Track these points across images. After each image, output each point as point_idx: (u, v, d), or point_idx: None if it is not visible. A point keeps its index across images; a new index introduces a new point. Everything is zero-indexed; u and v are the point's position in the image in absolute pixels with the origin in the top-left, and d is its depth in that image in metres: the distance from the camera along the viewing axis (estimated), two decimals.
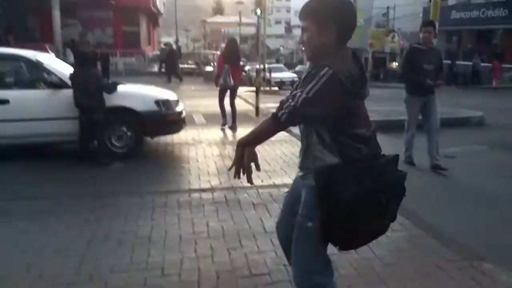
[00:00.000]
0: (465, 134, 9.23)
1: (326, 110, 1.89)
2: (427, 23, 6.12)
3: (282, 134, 7.14)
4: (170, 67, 21.84)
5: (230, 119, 8.65)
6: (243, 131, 8.35)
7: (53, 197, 4.72)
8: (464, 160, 6.95)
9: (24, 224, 3.98)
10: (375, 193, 1.94)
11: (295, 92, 1.91)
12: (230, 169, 2.06)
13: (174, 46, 30.17)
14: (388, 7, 33.74)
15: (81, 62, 6.25)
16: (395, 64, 32.69)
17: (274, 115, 1.92)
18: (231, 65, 8.37)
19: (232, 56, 8.41)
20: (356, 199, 1.89)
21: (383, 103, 14.62)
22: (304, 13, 2.04)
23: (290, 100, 1.88)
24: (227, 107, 8.73)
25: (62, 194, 4.83)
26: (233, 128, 8.64)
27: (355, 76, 1.94)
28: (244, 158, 1.99)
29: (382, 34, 33.21)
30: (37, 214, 4.21)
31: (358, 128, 2.01)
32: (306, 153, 2.09)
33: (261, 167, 2.09)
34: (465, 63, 27.31)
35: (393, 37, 31.67)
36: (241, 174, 2.03)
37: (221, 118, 8.69)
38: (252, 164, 1.99)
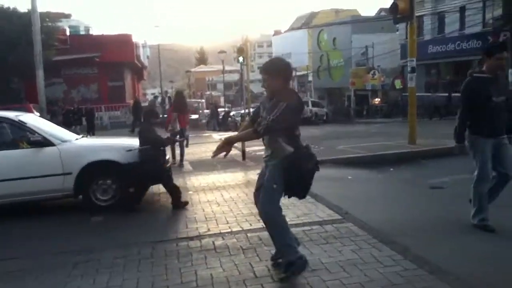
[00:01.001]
0: (451, 164, 9.27)
1: (285, 125, 3.50)
2: (502, 46, 4.98)
3: None
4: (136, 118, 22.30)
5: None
6: (231, 175, 8.33)
7: (31, 256, 4.59)
8: (454, 190, 6.95)
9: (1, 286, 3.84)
10: (314, 166, 3.62)
11: (265, 116, 3.48)
12: (214, 154, 3.78)
13: (159, 98, 30.53)
14: (366, 46, 34.77)
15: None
16: (377, 100, 33.35)
17: (255, 130, 3.55)
18: (178, 113, 10.09)
19: (179, 106, 10.22)
20: (309, 170, 3.57)
21: (369, 139, 14.78)
22: (263, 70, 3.69)
23: (264, 122, 3.47)
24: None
25: (42, 252, 4.69)
26: (181, 165, 10.17)
27: (300, 103, 3.65)
28: (221, 144, 3.71)
29: (362, 72, 34.06)
30: (14, 275, 4.07)
31: (297, 131, 3.67)
32: (268, 149, 3.68)
33: (250, 211, 3.71)
34: (444, 94, 27.92)
35: (374, 74, 32.47)
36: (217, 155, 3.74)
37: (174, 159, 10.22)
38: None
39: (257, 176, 3.98)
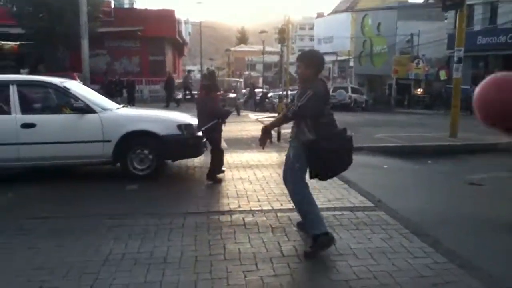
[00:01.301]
0: (492, 161, 8.98)
1: (310, 112, 3.76)
2: None
3: None
4: (169, 94, 22.82)
5: None
6: (265, 155, 8.36)
7: (70, 216, 4.78)
8: (492, 187, 6.74)
9: (40, 242, 4.02)
10: (337, 147, 3.79)
11: (295, 103, 3.83)
12: (261, 145, 4.13)
13: (192, 73, 30.72)
14: (412, 34, 33.70)
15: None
16: (419, 91, 32.44)
17: (286, 115, 4.03)
18: (211, 93, 9.98)
19: (213, 86, 10.07)
20: (339, 155, 3.82)
21: (408, 129, 14.45)
22: (299, 58, 3.95)
23: (293, 108, 3.86)
24: None
25: (79, 214, 4.89)
26: None
27: (326, 91, 3.97)
28: (262, 135, 4.07)
29: (406, 60, 33.10)
30: (54, 233, 4.26)
31: (324, 119, 3.84)
32: (295, 132, 3.91)
33: (281, 191, 4.35)
34: None
35: (418, 63, 31.49)
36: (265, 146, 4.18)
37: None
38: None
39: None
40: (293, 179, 3.93)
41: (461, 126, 11.09)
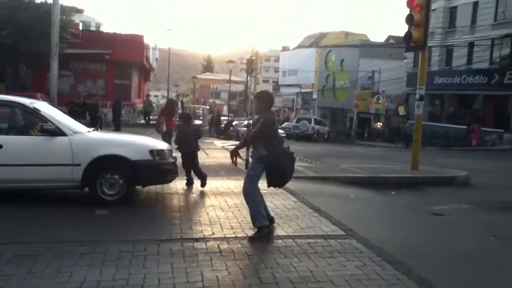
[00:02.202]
0: (452, 193, 9.38)
1: (263, 134, 5.02)
2: None
3: (274, 188, 7.16)
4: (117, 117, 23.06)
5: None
6: (234, 183, 8.38)
7: (39, 243, 4.61)
8: (454, 218, 7.04)
9: (9, 268, 3.86)
10: (290, 163, 5.18)
11: (252, 129, 5.38)
12: (232, 163, 5.50)
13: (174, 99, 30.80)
14: (373, 71, 35.11)
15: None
16: (379, 124, 33.59)
17: (245, 139, 5.68)
18: (166, 117, 11.82)
19: (168, 111, 12.03)
20: (283, 166, 5.08)
21: (370, 161, 14.90)
22: (255, 96, 5.55)
23: (251, 133, 5.25)
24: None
25: (47, 240, 4.71)
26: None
27: (274, 119, 5.31)
28: (232, 156, 5.43)
29: (367, 95, 34.34)
30: (22, 259, 4.09)
31: (275, 140, 5.15)
32: (253, 151, 5.25)
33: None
34: (447, 125, 28.20)
35: (378, 98, 32.73)
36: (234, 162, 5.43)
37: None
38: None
39: None
40: (247, 182, 5.15)
41: (422, 160, 11.53)
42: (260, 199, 5.12)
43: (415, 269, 4.12)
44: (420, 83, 11.41)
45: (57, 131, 6.26)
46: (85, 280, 3.66)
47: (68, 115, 8.53)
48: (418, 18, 10.78)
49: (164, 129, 11.54)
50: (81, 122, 7.60)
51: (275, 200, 6.99)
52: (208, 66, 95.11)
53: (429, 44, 23.66)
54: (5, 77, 24.69)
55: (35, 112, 6.43)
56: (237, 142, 18.11)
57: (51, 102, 11.19)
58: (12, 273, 3.77)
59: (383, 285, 3.76)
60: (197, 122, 27.23)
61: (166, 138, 11.04)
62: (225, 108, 49.49)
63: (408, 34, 11.05)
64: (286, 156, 5.14)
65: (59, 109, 7.94)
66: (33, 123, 6.49)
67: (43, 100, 13.35)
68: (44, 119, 6.35)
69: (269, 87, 66.21)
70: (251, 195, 5.08)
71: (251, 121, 14.73)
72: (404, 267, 4.18)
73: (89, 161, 6.22)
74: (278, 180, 5.21)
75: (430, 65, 29.28)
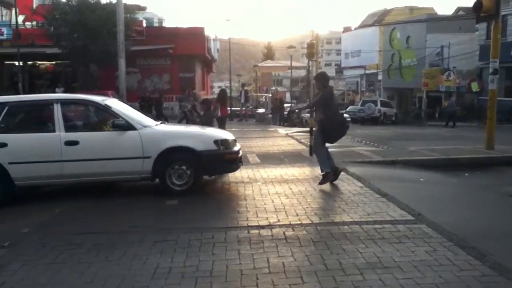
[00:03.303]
0: None
1: (318, 105, 7.21)
2: None
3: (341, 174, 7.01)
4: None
5: None
6: (299, 170, 8.39)
7: (115, 232, 4.90)
8: None
9: (89, 256, 4.17)
10: (338, 123, 7.14)
11: (314, 99, 8.00)
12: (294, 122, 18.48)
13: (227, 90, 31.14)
14: (442, 46, 33.28)
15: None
16: None
17: (308, 104, 10.10)
18: (221, 104, 13.20)
19: (222, 99, 13.52)
20: (335, 127, 7.08)
21: (441, 142, 14.25)
22: (314, 78, 8.30)
23: (313, 101, 8.20)
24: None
25: (123, 229, 5.01)
26: None
27: (330, 95, 7.28)
28: (295, 114, 21.05)
29: (436, 73, 32.65)
30: (100, 248, 4.39)
31: (330, 109, 7.04)
32: (316, 115, 7.90)
33: (319, 205, 5.91)
34: None
35: (449, 75, 31.01)
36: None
37: None
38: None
39: None
40: (315, 142, 7.38)
41: (497, 139, 10.85)
42: (324, 153, 7.07)
43: (489, 254, 3.92)
44: (494, 55, 10.67)
45: (128, 126, 6.58)
46: (158, 267, 3.86)
47: (139, 110, 8.97)
48: None
49: (219, 114, 13.02)
50: (149, 116, 7.99)
51: (341, 186, 6.91)
52: (268, 54, 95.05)
53: (503, 13, 22.02)
54: (77, 77, 26.28)
55: (106, 109, 6.80)
56: (302, 129, 18.26)
57: (121, 99, 11.78)
58: (92, 260, 4.06)
59: (455, 270, 3.62)
60: (260, 110, 27.48)
61: (220, 123, 12.50)
62: (287, 95, 49.35)
63: (478, 3, 10.36)
64: (338, 119, 7.15)
65: (130, 105, 8.33)
66: (105, 119, 6.87)
67: (114, 97, 14.09)
68: (115, 115, 6.69)
69: (331, 71, 65.14)
70: (317, 150, 7.24)
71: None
72: (478, 252, 3.99)
73: (158, 153, 6.50)
74: (331, 135, 7.10)
75: (505, 36, 27.20)
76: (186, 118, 18.78)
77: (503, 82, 26.55)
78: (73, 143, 6.40)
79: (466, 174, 8.54)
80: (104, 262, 4.01)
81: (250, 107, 31.72)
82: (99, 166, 6.52)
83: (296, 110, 25.78)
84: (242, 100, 29.15)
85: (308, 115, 18.62)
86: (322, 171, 6.97)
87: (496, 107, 10.96)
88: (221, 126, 12.40)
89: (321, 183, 6.87)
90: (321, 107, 7.06)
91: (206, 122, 10.37)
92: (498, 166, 9.24)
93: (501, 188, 7.28)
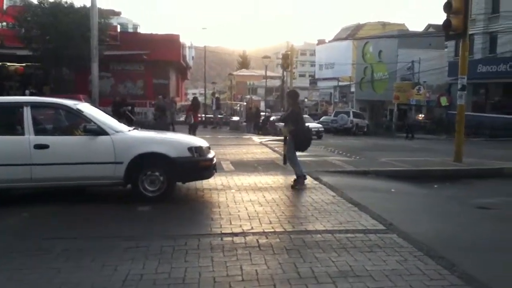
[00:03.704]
0: (498, 186, 9.04)
1: (289, 119, 8.15)
2: None
3: (312, 183, 7.16)
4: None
5: None
6: (272, 178, 8.42)
7: (85, 238, 4.80)
8: (500, 211, 6.79)
9: (58, 262, 4.05)
10: (305, 134, 8.12)
11: (285, 114, 9.16)
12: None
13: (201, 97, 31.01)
14: (412, 61, 34.18)
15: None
16: (421, 116, 32.70)
17: (280, 118, 10.99)
18: (193, 112, 15.06)
19: (194, 106, 15.51)
20: (305, 137, 8.01)
21: (411, 153, 14.56)
22: (286, 95, 11.36)
23: (283, 115, 9.23)
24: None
25: (93, 235, 4.91)
26: None
27: (298, 111, 8.41)
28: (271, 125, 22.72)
29: (407, 86, 33.49)
30: (70, 253, 4.28)
31: (298, 122, 8.03)
32: (286, 126, 8.42)
33: (292, 213, 5.74)
34: (493, 115, 27.16)
35: (419, 89, 31.84)
36: None
37: None
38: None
39: None
40: (288, 151, 8.27)
41: (464, 152, 11.16)
42: (298, 161, 7.93)
43: (458, 264, 4.01)
44: (462, 72, 11.03)
45: (100, 131, 6.47)
46: (129, 274, 3.79)
47: (111, 116, 8.82)
48: (457, 5, 10.40)
49: (192, 120, 14.62)
50: (122, 122, 7.88)
51: (314, 195, 6.96)
52: (244, 63, 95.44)
53: (471, 32, 22.84)
54: (49, 80, 25.69)
55: (78, 113, 6.67)
56: (276, 138, 18.43)
57: (93, 103, 11.58)
58: (61, 266, 3.95)
59: (425, 280, 3.69)
60: (235, 118, 27.51)
61: (192, 129, 13.89)
62: (262, 104, 49.56)
63: (447, 22, 10.70)
64: (306, 131, 8.15)
65: (102, 110, 8.20)
66: (77, 123, 6.74)
67: (86, 101, 13.84)
68: (87, 120, 6.57)
69: (305, 82, 65.97)
70: (292, 158, 8.03)
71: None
72: (447, 262, 4.08)
73: (130, 159, 6.40)
74: (300, 145, 7.94)
75: (472, 53, 28.18)
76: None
77: (470, 97, 27.47)
78: (43, 146, 6.24)
79: (436, 186, 8.75)
80: (74, 268, 3.91)
81: (224, 114, 31.69)
82: (70, 170, 6.38)
83: (270, 120, 25.99)
84: (214, 108, 29.14)
85: (282, 124, 18.91)
86: (297, 175, 7.65)
87: (464, 121, 11.30)
88: (193, 132, 12.83)
89: (298, 187, 7.50)
90: (292, 120, 7.97)
91: (161, 127, 10.69)
92: (466, 178, 9.49)
93: (469, 200, 7.48)
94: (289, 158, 8.25)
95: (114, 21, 29.46)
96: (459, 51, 11.89)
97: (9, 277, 3.73)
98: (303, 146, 7.98)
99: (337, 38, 56.46)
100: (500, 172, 10.04)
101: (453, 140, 12.59)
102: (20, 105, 6.56)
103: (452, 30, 10.80)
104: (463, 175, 9.69)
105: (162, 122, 10.76)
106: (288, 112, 8.29)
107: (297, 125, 7.90)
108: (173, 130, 16.23)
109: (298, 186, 7.49)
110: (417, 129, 30.95)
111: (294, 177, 7.76)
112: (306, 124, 8.60)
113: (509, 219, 6.32)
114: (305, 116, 31.99)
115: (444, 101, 30.38)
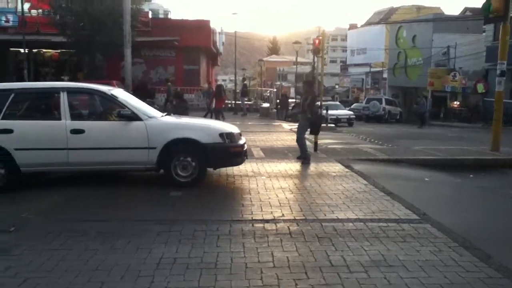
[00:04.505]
0: None
1: (313, 103, 9.23)
2: None
3: (344, 170, 7.10)
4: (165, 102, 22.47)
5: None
6: (303, 165, 8.36)
7: (119, 221, 4.91)
8: None
9: (94, 244, 4.17)
10: (320, 120, 10.00)
11: (304, 102, 9.28)
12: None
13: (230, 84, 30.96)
14: (448, 46, 33.12)
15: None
16: (456, 103, 31.79)
17: (303, 106, 9.48)
18: (216, 98, 16.58)
19: (218, 93, 16.86)
20: (317, 122, 9.40)
21: (446, 142, 14.20)
22: (303, 82, 11.66)
23: (308, 104, 9.15)
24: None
25: (126, 218, 5.02)
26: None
27: (315, 97, 9.70)
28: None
29: (442, 73, 32.52)
30: (104, 236, 4.40)
31: (316, 108, 9.81)
32: (303, 113, 9.18)
33: (323, 201, 5.76)
34: None
35: (455, 76, 30.88)
36: None
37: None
38: None
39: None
40: (299, 132, 8.97)
41: (502, 141, 10.81)
42: (304, 143, 8.87)
43: (495, 256, 3.91)
44: (502, 57, 10.63)
45: (134, 116, 6.57)
46: (163, 257, 3.87)
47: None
48: None
49: (213, 106, 15.81)
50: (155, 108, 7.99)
51: (345, 183, 6.90)
52: (273, 48, 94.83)
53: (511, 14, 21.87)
54: (82, 67, 26.21)
55: (113, 98, 6.78)
56: None
57: (127, 89, 11.74)
58: (98, 248, 4.07)
59: (460, 271, 3.62)
60: (265, 104, 27.46)
61: (216, 114, 15.12)
62: (292, 90, 49.24)
63: (487, 4, 10.29)
64: (321, 117, 9.30)
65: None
66: (111, 109, 6.86)
67: (119, 87, 14.08)
68: (121, 105, 6.68)
69: (336, 67, 65.04)
70: (302, 139, 8.85)
71: (318, 103, 14.93)
72: (483, 253, 3.99)
73: (163, 144, 6.49)
74: (317, 129, 9.29)
75: None
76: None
77: (509, 84, 26.40)
78: (79, 131, 6.39)
79: (471, 176, 8.52)
80: (110, 250, 4.02)
81: (253, 100, 31.63)
82: (104, 155, 6.52)
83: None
84: (240, 95, 29.05)
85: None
86: (303, 154, 8.77)
87: (502, 109, 10.92)
88: (217, 117, 14.29)
89: (304, 162, 8.56)
90: (312, 106, 9.00)
91: (180, 112, 11.06)
92: (503, 168, 9.21)
93: (506, 190, 7.27)
94: (299, 138, 8.94)
95: (145, 7, 29.66)
96: (499, 35, 11.42)
97: (48, 257, 3.86)
98: (318, 130, 9.45)
99: (369, 23, 55.19)
100: None
101: (489, 129, 12.19)
102: (57, 90, 6.72)
103: (492, 13, 10.38)
104: (500, 164, 9.41)
105: (181, 108, 11.10)
106: (310, 100, 8.92)
107: (315, 109, 9.13)
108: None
109: (304, 162, 8.56)
110: (452, 117, 30.16)
111: (325, 163, 7.79)
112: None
113: None
114: (336, 103, 31.78)
115: (481, 87, 29.36)
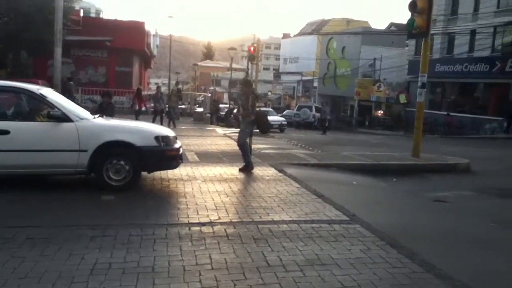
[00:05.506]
0: (453, 180, 9.48)
1: (251, 101, 8.54)
2: None
3: (277, 174, 7.29)
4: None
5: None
6: (237, 169, 8.45)
7: (49, 226, 4.68)
8: (456, 205, 7.14)
9: (22, 251, 3.95)
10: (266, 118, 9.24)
11: (242, 103, 9.04)
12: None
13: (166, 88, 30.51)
14: (374, 58, 34.99)
15: None
16: (380, 112, 33.62)
17: (245, 105, 8.82)
18: (138, 99, 17.97)
19: (139, 95, 18.27)
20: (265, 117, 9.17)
21: (371, 148, 14.97)
22: (240, 82, 13.55)
23: (248, 104, 8.63)
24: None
25: (58, 224, 4.79)
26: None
27: (256, 93, 9.20)
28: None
29: (368, 83, 34.29)
30: (33, 242, 4.18)
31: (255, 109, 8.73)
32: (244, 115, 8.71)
33: (258, 204, 5.75)
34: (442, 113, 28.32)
35: (379, 86, 32.69)
36: None
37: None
38: None
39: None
40: (241, 137, 8.48)
41: (423, 147, 11.60)
42: (248, 148, 8.51)
43: (418, 253, 4.22)
44: (423, 70, 11.43)
45: (64, 117, 6.28)
46: (97, 262, 3.75)
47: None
48: (422, 4, 10.76)
49: (137, 107, 16.90)
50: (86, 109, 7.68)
51: (279, 186, 7.07)
52: (208, 54, 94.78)
53: (431, 32, 23.59)
54: (6, 64, 24.62)
55: (41, 98, 6.45)
56: (238, 129, 18.53)
57: (55, 89, 11.21)
58: (25, 255, 3.86)
59: (387, 268, 3.86)
60: (199, 109, 27.37)
61: (136, 115, 16.08)
62: (225, 96, 49.43)
63: (411, 21, 11.04)
64: (264, 114, 9.32)
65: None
66: (39, 109, 6.53)
67: (45, 86, 13.38)
68: (51, 105, 6.37)
69: (269, 75, 66.23)
70: (244, 144, 8.38)
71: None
72: (408, 250, 4.28)
73: (95, 147, 6.27)
74: (265, 127, 8.89)
75: (431, 53, 29.14)
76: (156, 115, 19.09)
77: (428, 96, 28.39)
78: (4, 132, 6.01)
79: (394, 179, 9.07)
80: (39, 257, 3.83)
81: (186, 105, 31.45)
82: (32, 157, 6.18)
83: (234, 112, 25.95)
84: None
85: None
86: (246, 161, 8.31)
87: (422, 118, 11.73)
88: (137, 118, 15.15)
89: (242, 170, 8.23)
90: (255, 105, 8.65)
91: (108, 113, 10.69)
92: (423, 172, 9.90)
93: (426, 193, 7.82)
94: (240, 144, 8.38)
95: (76, 5, 28.48)
96: (420, 50, 12.29)
97: None
98: (267, 127, 8.98)
99: (302, 33, 56.93)
100: (454, 167, 10.51)
101: (410, 136, 13.04)
102: None
103: (416, 29, 11.15)
104: (420, 169, 10.09)
105: (109, 109, 10.73)
106: (252, 99, 8.44)
107: (256, 111, 8.60)
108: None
109: (241, 170, 8.18)
110: (376, 124, 31.84)
111: (259, 168, 7.88)
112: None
113: (463, 212, 6.66)
114: (269, 109, 32.36)
115: (403, 98, 31.33)
